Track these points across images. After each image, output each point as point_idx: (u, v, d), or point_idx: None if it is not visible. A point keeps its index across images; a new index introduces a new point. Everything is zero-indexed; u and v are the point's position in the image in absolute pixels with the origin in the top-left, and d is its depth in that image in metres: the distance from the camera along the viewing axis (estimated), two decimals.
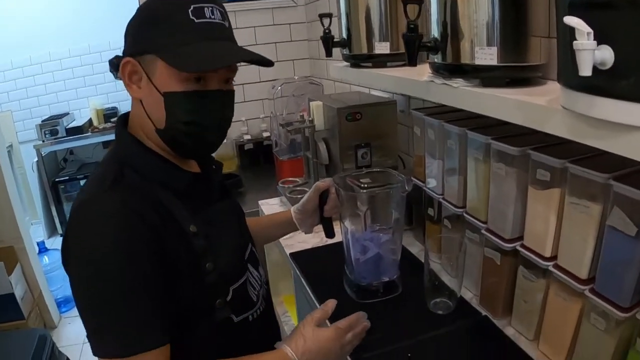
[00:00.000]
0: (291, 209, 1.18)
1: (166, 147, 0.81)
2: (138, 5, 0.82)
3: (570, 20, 0.52)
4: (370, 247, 1.12)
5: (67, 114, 4.08)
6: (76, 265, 0.73)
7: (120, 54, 0.81)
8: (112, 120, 4.07)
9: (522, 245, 0.89)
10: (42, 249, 2.86)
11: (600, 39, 0.50)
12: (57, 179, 3.93)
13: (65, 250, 0.75)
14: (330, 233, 1.17)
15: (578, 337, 0.79)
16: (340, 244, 1.29)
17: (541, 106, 0.68)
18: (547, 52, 0.86)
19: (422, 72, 1.06)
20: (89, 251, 0.71)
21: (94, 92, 4.26)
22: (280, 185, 1.79)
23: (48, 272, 2.81)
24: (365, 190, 1.10)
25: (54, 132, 3.77)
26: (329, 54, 1.36)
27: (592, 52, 0.51)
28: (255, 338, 0.88)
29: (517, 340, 0.92)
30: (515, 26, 0.82)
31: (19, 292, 2.46)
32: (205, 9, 0.76)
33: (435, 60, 0.91)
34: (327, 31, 1.34)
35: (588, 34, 0.51)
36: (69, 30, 4.03)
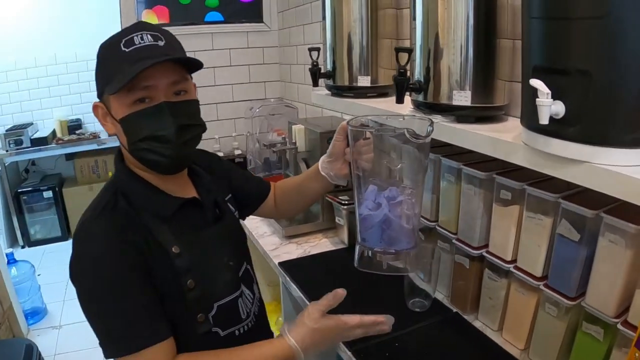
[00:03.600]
0: (320, 158, 1.11)
1: (153, 172, 0.90)
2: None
3: (534, 82, 0.72)
4: (382, 203, 0.91)
5: (31, 124, 4.02)
6: (79, 279, 0.84)
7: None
8: (77, 132, 4.05)
9: (488, 252, 1.08)
10: (11, 261, 2.78)
11: (555, 95, 0.70)
12: (19, 190, 3.87)
13: (70, 266, 0.86)
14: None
15: (535, 324, 0.98)
16: (322, 254, 1.46)
17: (508, 142, 0.88)
18: (509, 94, 1.07)
19: (395, 105, 1.25)
20: (87, 266, 0.83)
21: (59, 104, 4.22)
22: None
23: (16, 284, 2.76)
24: (371, 135, 0.95)
25: (18, 142, 3.71)
26: (315, 84, 1.53)
27: (549, 107, 0.70)
28: None
29: (484, 331, 1.11)
30: (485, 74, 1.02)
31: None
32: (135, 37, 0.83)
33: (418, 98, 1.10)
34: (315, 64, 1.51)
35: (547, 94, 0.70)
36: (35, 39, 4.00)
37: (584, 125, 0.70)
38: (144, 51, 0.82)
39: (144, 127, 0.83)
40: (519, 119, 1.02)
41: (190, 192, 0.97)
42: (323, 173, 1.08)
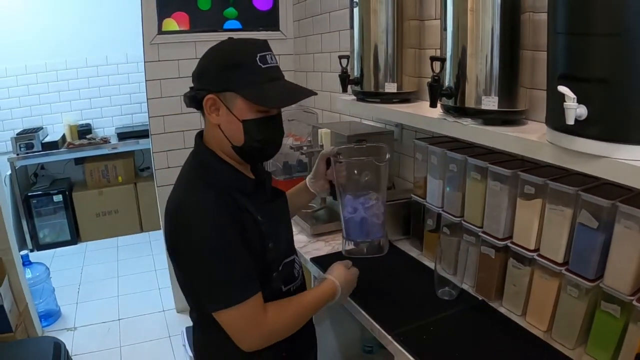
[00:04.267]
0: (306, 177, 1.43)
1: (237, 158, 1.09)
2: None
3: (562, 89, 0.83)
4: (358, 208, 1.33)
5: (42, 128, 4.10)
6: (188, 248, 1.02)
7: (196, 90, 1.06)
8: (87, 137, 4.13)
9: (512, 242, 1.20)
10: (26, 262, 2.84)
11: (578, 100, 0.82)
12: (29, 194, 3.94)
13: (174, 241, 1.05)
14: (334, 196, 1.40)
15: (557, 306, 1.09)
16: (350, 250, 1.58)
17: (535, 141, 0.99)
18: (530, 100, 1.19)
19: (422, 109, 1.38)
20: (198, 235, 0.99)
21: (68, 108, 4.30)
22: None
23: (31, 286, 2.82)
24: (342, 161, 1.32)
25: (29, 146, 3.79)
26: (345, 89, 1.65)
27: (575, 110, 0.82)
28: None
29: (508, 316, 1.22)
30: (509, 82, 1.14)
31: (7, 304, 2.47)
32: (267, 56, 1.04)
33: (449, 103, 1.21)
34: (344, 70, 1.62)
35: (573, 98, 0.82)
36: (47, 44, 4.08)
37: (604, 125, 0.82)
38: (275, 72, 1.05)
39: (264, 132, 1.06)
40: (540, 122, 1.15)
41: (253, 175, 1.16)
42: (311, 189, 1.40)
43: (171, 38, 2.57)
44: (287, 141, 2.40)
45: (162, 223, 1.11)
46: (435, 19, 1.58)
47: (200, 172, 1.08)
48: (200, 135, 1.12)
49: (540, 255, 1.12)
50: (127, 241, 4.13)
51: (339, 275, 1.20)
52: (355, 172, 1.34)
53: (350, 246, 1.38)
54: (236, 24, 2.71)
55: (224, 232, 0.99)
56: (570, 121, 0.83)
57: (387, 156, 1.30)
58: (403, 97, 1.63)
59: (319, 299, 1.15)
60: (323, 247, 1.69)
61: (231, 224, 1.01)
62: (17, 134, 3.88)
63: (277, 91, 1.03)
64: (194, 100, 1.07)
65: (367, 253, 1.35)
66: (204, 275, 1.01)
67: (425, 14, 1.62)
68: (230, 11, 2.68)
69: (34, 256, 3.59)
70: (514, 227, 1.20)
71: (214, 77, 1.03)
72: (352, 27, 1.63)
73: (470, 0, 1.13)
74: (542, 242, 1.12)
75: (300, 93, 1.08)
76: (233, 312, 0.99)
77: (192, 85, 1.08)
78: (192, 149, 1.13)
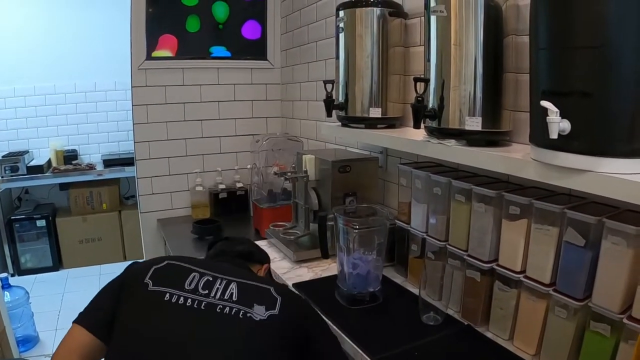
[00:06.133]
0: None
1: None
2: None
3: (545, 103, 0.83)
4: (360, 264, 1.40)
5: (28, 151, 4.07)
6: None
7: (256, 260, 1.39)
8: (73, 162, 4.09)
9: (498, 265, 1.17)
10: (5, 285, 2.75)
11: (561, 115, 0.82)
12: (12, 217, 3.86)
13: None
14: (325, 255, 1.57)
15: (545, 329, 1.06)
16: (326, 277, 1.57)
17: (518, 159, 0.99)
18: (513, 122, 1.20)
19: (406, 134, 1.38)
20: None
21: (55, 133, 4.28)
22: (272, 228, 1.99)
23: (9, 310, 2.72)
24: (357, 230, 1.39)
25: (14, 169, 3.75)
26: (329, 114, 1.65)
27: (558, 124, 0.82)
28: None
29: (495, 341, 1.18)
30: (493, 102, 1.15)
31: None
32: None
33: (432, 125, 1.22)
34: (329, 95, 1.63)
35: (556, 112, 0.82)
36: (36, 68, 4.10)
37: (587, 139, 0.82)
38: None
39: None
40: (524, 144, 1.16)
41: None
42: None
43: (159, 64, 2.58)
44: (273, 170, 2.40)
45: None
46: (420, 46, 1.60)
47: None
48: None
49: (526, 277, 1.10)
50: (110, 269, 4.02)
51: None
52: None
53: (354, 295, 1.42)
54: (225, 53, 2.74)
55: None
56: (554, 135, 0.83)
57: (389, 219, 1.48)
58: (388, 123, 1.63)
59: None
60: (306, 274, 1.65)
61: None
62: (3, 157, 3.84)
63: None
64: (249, 255, 1.35)
65: (369, 303, 1.40)
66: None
67: (410, 41, 1.65)
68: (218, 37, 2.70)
69: (15, 281, 3.50)
70: (499, 249, 1.18)
71: (266, 257, 1.45)
72: (337, 51, 1.65)
73: (453, 23, 1.15)
74: (528, 263, 1.10)
75: None
76: None
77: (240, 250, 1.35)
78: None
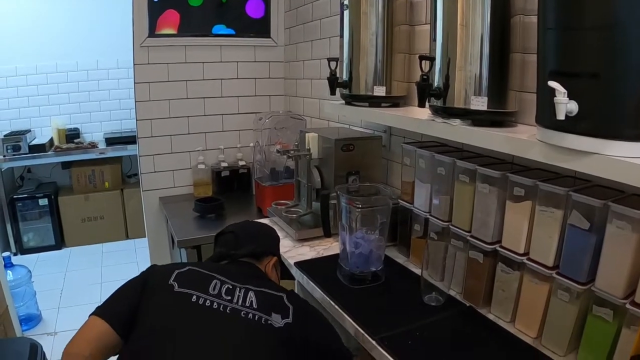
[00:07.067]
0: None
1: None
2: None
3: (552, 83, 0.81)
4: (362, 243, 1.40)
5: (29, 130, 4.05)
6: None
7: (262, 250, 1.32)
8: (75, 141, 4.08)
9: (501, 246, 1.17)
10: (8, 264, 2.77)
11: (568, 96, 0.80)
12: (15, 196, 3.87)
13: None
14: (327, 233, 1.57)
15: (548, 312, 1.06)
16: (328, 257, 1.58)
17: (524, 140, 0.97)
18: (518, 102, 1.18)
19: (411, 113, 1.37)
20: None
21: (57, 112, 4.26)
22: (274, 206, 1.99)
23: (11, 289, 2.74)
24: (359, 209, 1.38)
25: (16, 148, 3.73)
26: (333, 92, 1.63)
27: (565, 105, 0.80)
28: None
29: (497, 323, 1.18)
30: (499, 82, 1.13)
31: None
32: None
33: (437, 104, 1.19)
34: (333, 73, 1.60)
35: (564, 93, 0.80)
36: (37, 47, 4.06)
37: (595, 121, 0.80)
38: None
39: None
40: (529, 125, 1.14)
41: None
42: None
43: (161, 41, 2.54)
44: (275, 148, 2.38)
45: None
46: (425, 24, 1.57)
47: None
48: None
49: (529, 259, 1.09)
50: (112, 247, 4.06)
51: None
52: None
53: (356, 275, 1.42)
54: (229, 30, 2.70)
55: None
56: (561, 116, 0.81)
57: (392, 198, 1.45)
58: (392, 101, 1.61)
59: None
60: (308, 252, 1.65)
61: None
62: (5, 136, 3.83)
63: None
64: (256, 254, 1.29)
65: (371, 282, 1.40)
66: None
67: (416, 19, 1.61)
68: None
69: (18, 260, 3.54)
70: (502, 230, 1.17)
71: (275, 245, 1.43)
72: (342, 29, 1.62)
73: (460, 3, 1.12)
74: (531, 245, 1.10)
75: None
76: None
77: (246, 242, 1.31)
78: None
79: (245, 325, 1.00)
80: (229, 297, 1.05)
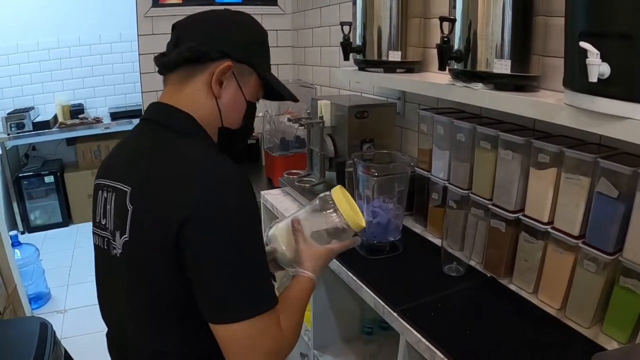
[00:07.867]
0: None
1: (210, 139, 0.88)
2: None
3: (584, 44, 0.76)
4: (380, 213, 1.37)
5: (33, 108, 4.01)
6: (231, 228, 0.74)
7: (208, 49, 0.84)
8: (79, 116, 4.04)
9: (524, 215, 1.14)
10: (15, 243, 2.75)
11: (601, 58, 0.75)
12: (20, 175, 3.85)
13: (224, 211, 0.74)
14: None
15: (573, 282, 1.03)
16: None
17: (552, 104, 0.93)
18: (541, 67, 1.13)
19: (428, 78, 1.32)
20: (244, 219, 0.76)
21: (60, 88, 4.21)
22: (286, 176, 1.96)
23: (20, 268, 2.72)
24: (376, 177, 1.35)
25: (20, 126, 3.70)
26: (346, 58, 1.57)
27: (598, 67, 0.75)
28: None
29: (519, 294, 1.16)
30: (522, 45, 1.08)
31: None
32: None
33: (457, 67, 1.15)
34: (347, 38, 1.55)
35: (597, 54, 0.75)
36: (38, 22, 3.97)
37: (627, 84, 0.75)
38: None
39: (253, 119, 0.95)
40: (553, 90, 1.09)
41: None
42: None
43: (166, 11, 2.48)
44: (283, 118, 2.34)
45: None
46: None
47: (216, 151, 0.84)
48: (163, 104, 0.86)
49: (554, 228, 1.06)
50: None
51: (314, 266, 0.93)
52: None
53: (374, 245, 1.37)
54: None
55: (258, 222, 0.78)
56: (594, 78, 0.76)
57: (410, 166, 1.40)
58: (407, 67, 1.56)
59: (306, 299, 0.91)
60: None
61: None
62: (8, 114, 3.78)
63: (282, 85, 0.95)
64: (194, 58, 0.83)
65: (389, 252, 1.37)
66: (234, 264, 0.74)
67: None
68: None
69: (25, 238, 3.54)
70: (526, 198, 1.14)
71: (239, 45, 0.86)
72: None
73: None
74: (556, 214, 1.06)
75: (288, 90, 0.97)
76: (257, 323, 0.75)
77: (184, 38, 0.87)
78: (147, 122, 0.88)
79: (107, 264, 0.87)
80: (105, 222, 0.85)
